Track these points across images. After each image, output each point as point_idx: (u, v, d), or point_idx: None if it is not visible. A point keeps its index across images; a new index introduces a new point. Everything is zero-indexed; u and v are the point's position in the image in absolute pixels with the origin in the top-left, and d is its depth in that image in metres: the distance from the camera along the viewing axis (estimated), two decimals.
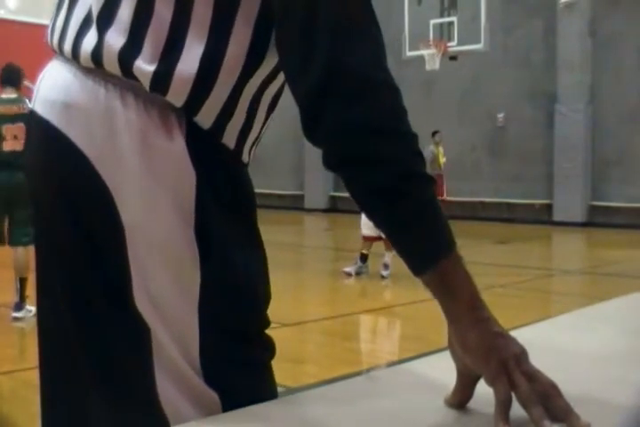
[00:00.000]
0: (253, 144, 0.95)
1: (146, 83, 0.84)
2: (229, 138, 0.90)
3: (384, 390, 0.89)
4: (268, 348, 0.93)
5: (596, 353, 1.05)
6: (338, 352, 4.37)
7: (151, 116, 0.85)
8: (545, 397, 0.73)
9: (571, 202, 12.06)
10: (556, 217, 12.21)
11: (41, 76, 0.94)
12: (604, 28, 11.97)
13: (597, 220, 11.98)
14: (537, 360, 0.77)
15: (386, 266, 6.64)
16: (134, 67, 0.84)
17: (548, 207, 12.46)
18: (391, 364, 3.79)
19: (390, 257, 6.58)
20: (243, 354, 0.89)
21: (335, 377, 3.63)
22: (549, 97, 12.35)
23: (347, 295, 6.40)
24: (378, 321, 5.59)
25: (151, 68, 0.84)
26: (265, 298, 0.93)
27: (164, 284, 0.85)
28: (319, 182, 14.58)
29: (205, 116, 0.86)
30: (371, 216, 0.84)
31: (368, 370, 3.79)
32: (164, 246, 0.85)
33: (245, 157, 0.94)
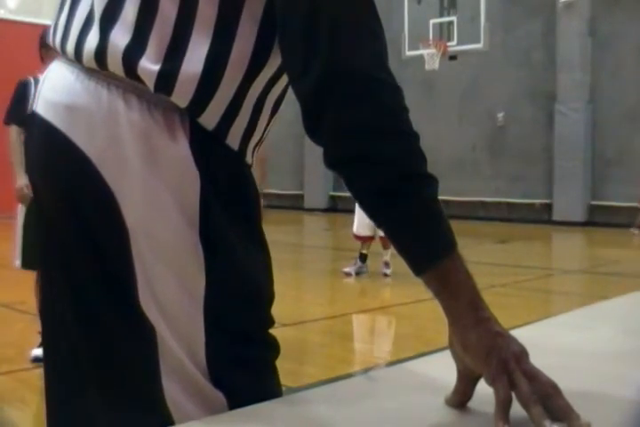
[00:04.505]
0: (257, 145, 0.94)
1: (150, 83, 0.83)
2: (233, 139, 0.89)
3: (384, 390, 0.89)
4: (273, 347, 0.93)
5: (597, 352, 1.05)
6: (338, 352, 4.37)
7: (155, 118, 0.84)
8: (545, 396, 0.72)
9: (571, 202, 12.05)
10: (556, 217, 12.21)
11: (43, 77, 0.94)
12: (603, 27, 11.96)
13: (597, 219, 11.98)
14: (537, 360, 0.76)
15: (387, 264, 6.65)
16: (139, 67, 0.83)
17: (548, 207, 12.46)
18: (391, 363, 3.79)
19: (389, 255, 6.58)
20: (248, 354, 0.89)
21: (335, 377, 3.63)
22: (549, 97, 12.35)
23: (346, 295, 6.40)
24: (378, 321, 5.59)
25: (156, 67, 0.83)
26: (269, 298, 0.93)
27: (169, 285, 0.85)
28: (319, 182, 14.58)
29: (209, 117, 0.86)
30: (371, 216, 0.83)
31: (368, 370, 3.79)
32: (168, 248, 0.84)
33: (249, 158, 0.93)
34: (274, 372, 0.93)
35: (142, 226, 0.84)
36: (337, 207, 14.37)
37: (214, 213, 0.86)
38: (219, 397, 0.86)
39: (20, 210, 3.82)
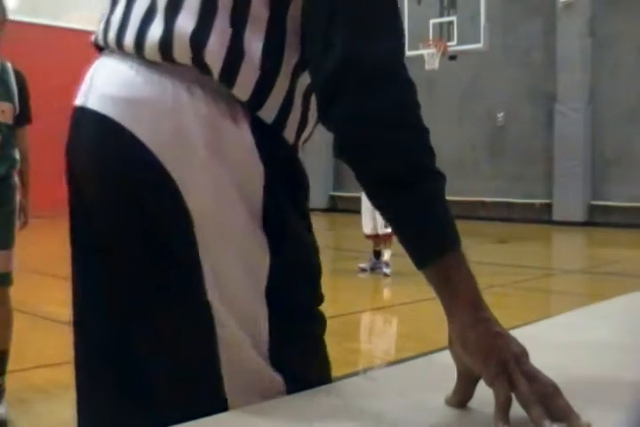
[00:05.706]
0: (305, 141, 0.96)
1: (215, 70, 0.85)
2: (289, 132, 0.91)
3: (384, 390, 0.89)
4: (322, 322, 0.96)
5: (596, 352, 1.05)
6: (338, 351, 4.37)
7: (220, 109, 0.86)
8: (545, 397, 0.72)
9: (571, 201, 12.05)
10: (556, 216, 12.20)
11: (91, 73, 0.94)
12: (603, 27, 11.96)
13: (597, 219, 11.98)
14: (537, 359, 0.77)
15: (387, 264, 6.70)
16: (206, 51, 0.85)
17: (548, 207, 12.45)
18: (391, 363, 3.79)
19: (389, 254, 6.62)
20: (305, 332, 0.92)
21: (335, 377, 3.62)
22: (549, 97, 12.34)
23: (347, 295, 6.40)
24: (378, 320, 5.59)
25: (222, 53, 0.85)
26: (320, 277, 0.96)
27: (234, 270, 0.86)
28: (319, 182, 14.57)
29: (268, 110, 0.88)
30: (376, 205, 0.85)
31: (368, 369, 3.79)
32: (232, 236, 0.86)
33: (300, 153, 0.96)
34: (324, 347, 0.96)
35: (206, 211, 0.84)
36: (337, 207, 14.37)
37: (275, 198, 0.88)
38: (277, 380, 0.87)
39: None
